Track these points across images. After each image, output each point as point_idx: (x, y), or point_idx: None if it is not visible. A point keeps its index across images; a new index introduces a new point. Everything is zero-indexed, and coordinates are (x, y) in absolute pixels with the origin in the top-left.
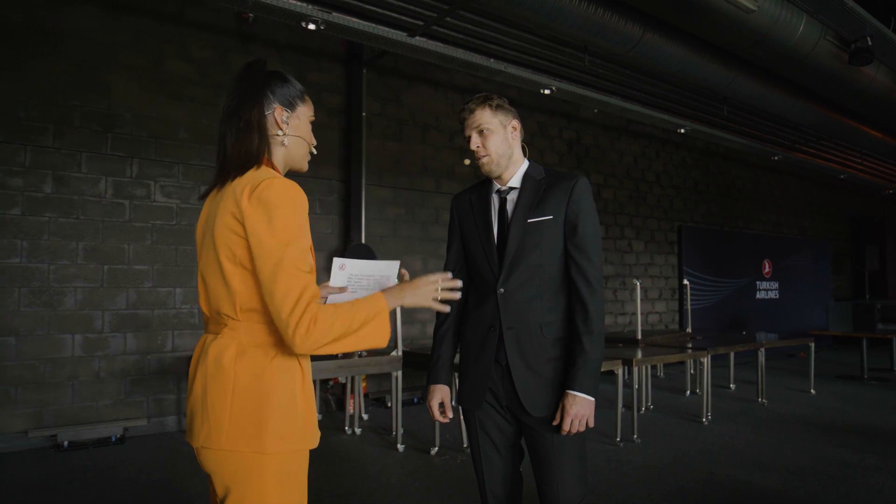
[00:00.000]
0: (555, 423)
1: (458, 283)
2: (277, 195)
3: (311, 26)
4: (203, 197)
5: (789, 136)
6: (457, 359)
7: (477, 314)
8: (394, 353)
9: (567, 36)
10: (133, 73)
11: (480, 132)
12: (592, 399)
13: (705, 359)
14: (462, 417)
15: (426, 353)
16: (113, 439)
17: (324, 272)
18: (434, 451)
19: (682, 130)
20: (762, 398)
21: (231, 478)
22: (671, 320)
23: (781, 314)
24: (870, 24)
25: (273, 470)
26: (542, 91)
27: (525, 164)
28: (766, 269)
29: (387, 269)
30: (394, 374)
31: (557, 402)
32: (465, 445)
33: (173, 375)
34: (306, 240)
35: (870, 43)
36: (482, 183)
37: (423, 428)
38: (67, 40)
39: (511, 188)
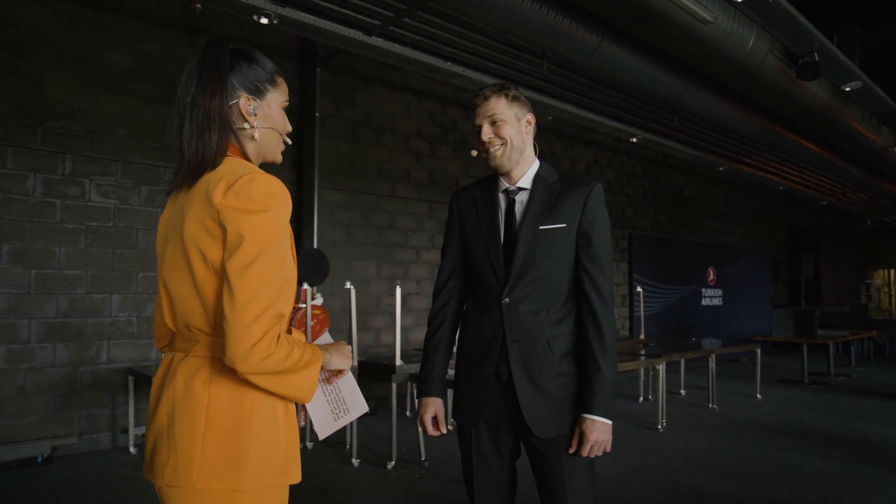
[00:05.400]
0: (571, 450)
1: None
2: (260, 193)
3: (264, 20)
4: (168, 193)
5: (734, 147)
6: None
7: (477, 324)
8: None
9: (526, 41)
10: (67, 64)
11: (493, 122)
12: (610, 423)
13: (660, 366)
14: (458, 434)
15: (380, 362)
16: (39, 459)
17: None
18: (391, 464)
19: (635, 139)
20: (713, 403)
21: None
22: (622, 327)
23: (724, 320)
24: (817, 39)
25: None
26: None
27: (536, 164)
28: (711, 277)
29: (356, 408)
30: None
31: (566, 423)
32: (422, 458)
33: (108, 389)
34: (286, 245)
35: (817, 58)
36: (486, 180)
37: (379, 440)
38: None
39: (520, 188)
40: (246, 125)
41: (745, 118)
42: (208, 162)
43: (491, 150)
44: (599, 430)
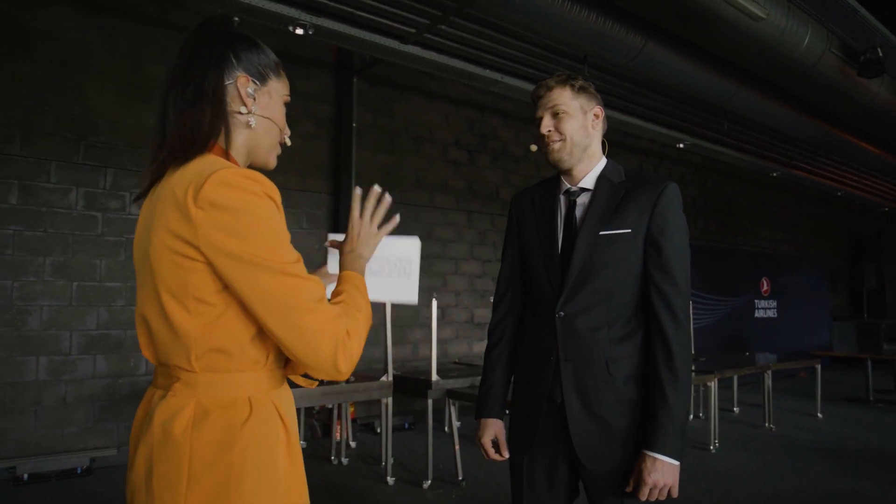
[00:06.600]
0: (628, 489)
1: (376, 190)
2: (235, 190)
3: (299, 31)
4: (140, 197)
5: (788, 151)
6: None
7: (532, 338)
8: (384, 379)
9: (566, 46)
10: (109, 78)
11: (555, 114)
12: (677, 463)
13: (712, 382)
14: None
15: (418, 377)
16: (79, 471)
17: None
18: (427, 484)
19: (682, 145)
20: (769, 423)
21: None
22: None
23: (780, 333)
24: (880, 33)
25: None
26: None
27: (602, 163)
28: (765, 287)
29: (406, 249)
30: (383, 400)
31: (623, 457)
32: (460, 478)
33: None
34: (286, 235)
35: (880, 54)
36: (548, 180)
37: (415, 458)
38: (38, 41)
39: (583, 189)
40: (242, 109)
41: (800, 120)
42: (200, 140)
43: (550, 144)
44: (661, 472)
